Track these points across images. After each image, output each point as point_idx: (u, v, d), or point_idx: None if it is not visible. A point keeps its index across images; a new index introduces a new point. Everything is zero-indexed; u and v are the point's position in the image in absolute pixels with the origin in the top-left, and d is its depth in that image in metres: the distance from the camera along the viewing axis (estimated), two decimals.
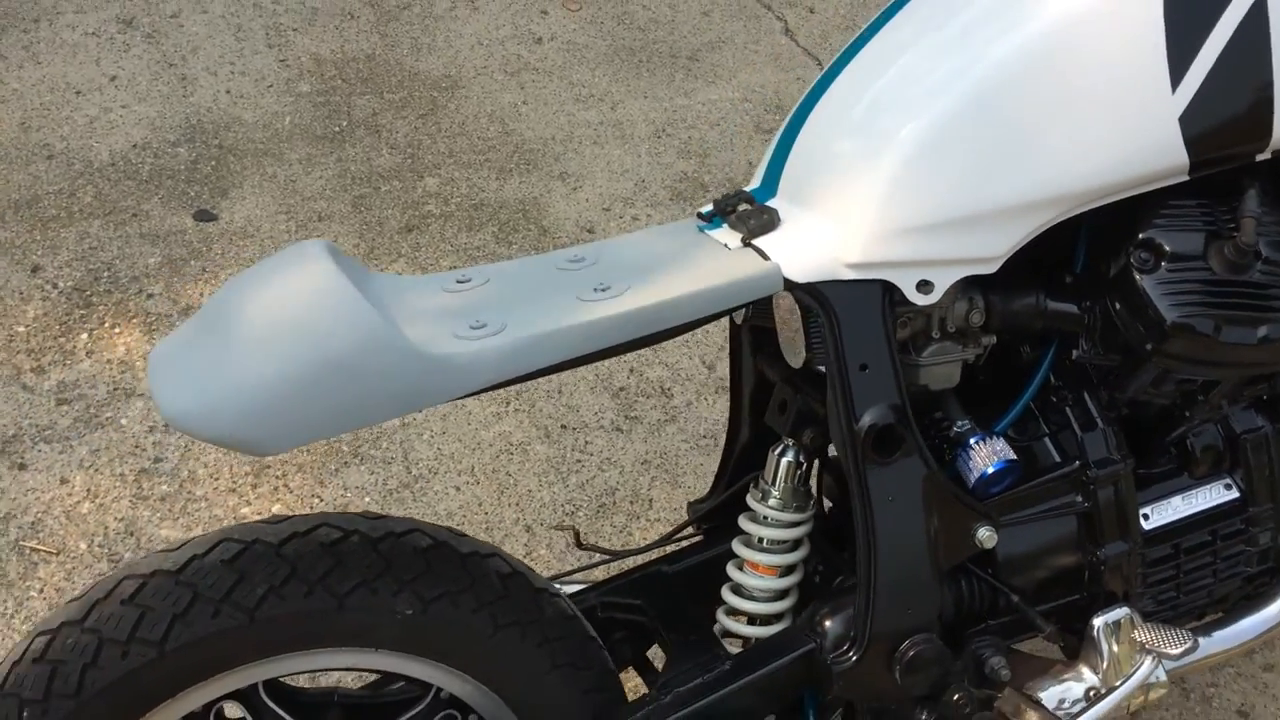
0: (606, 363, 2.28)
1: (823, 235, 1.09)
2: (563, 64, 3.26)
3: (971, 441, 1.19)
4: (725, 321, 1.26)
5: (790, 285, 1.08)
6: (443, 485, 2.04)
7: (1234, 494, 1.28)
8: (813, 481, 1.32)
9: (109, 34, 3.25)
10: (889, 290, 1.10)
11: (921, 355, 1.18)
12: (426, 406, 0.99)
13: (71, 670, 1.01)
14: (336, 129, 2.94)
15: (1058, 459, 1.23)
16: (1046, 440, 1.24)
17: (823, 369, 1.16)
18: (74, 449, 2.09)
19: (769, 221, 1.12)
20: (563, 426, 2.16)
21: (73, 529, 1.95)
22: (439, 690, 1.18)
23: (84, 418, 2.15)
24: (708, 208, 1.20)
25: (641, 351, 2.32)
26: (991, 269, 1.10)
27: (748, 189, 1.22)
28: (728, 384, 2.26)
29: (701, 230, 1.17)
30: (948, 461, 1.22)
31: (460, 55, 3.27)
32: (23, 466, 2.06)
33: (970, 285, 1.16)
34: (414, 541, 1.12)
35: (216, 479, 2.05)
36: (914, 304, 1.11)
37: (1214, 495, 1.28)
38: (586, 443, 2.13)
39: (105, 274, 2.47)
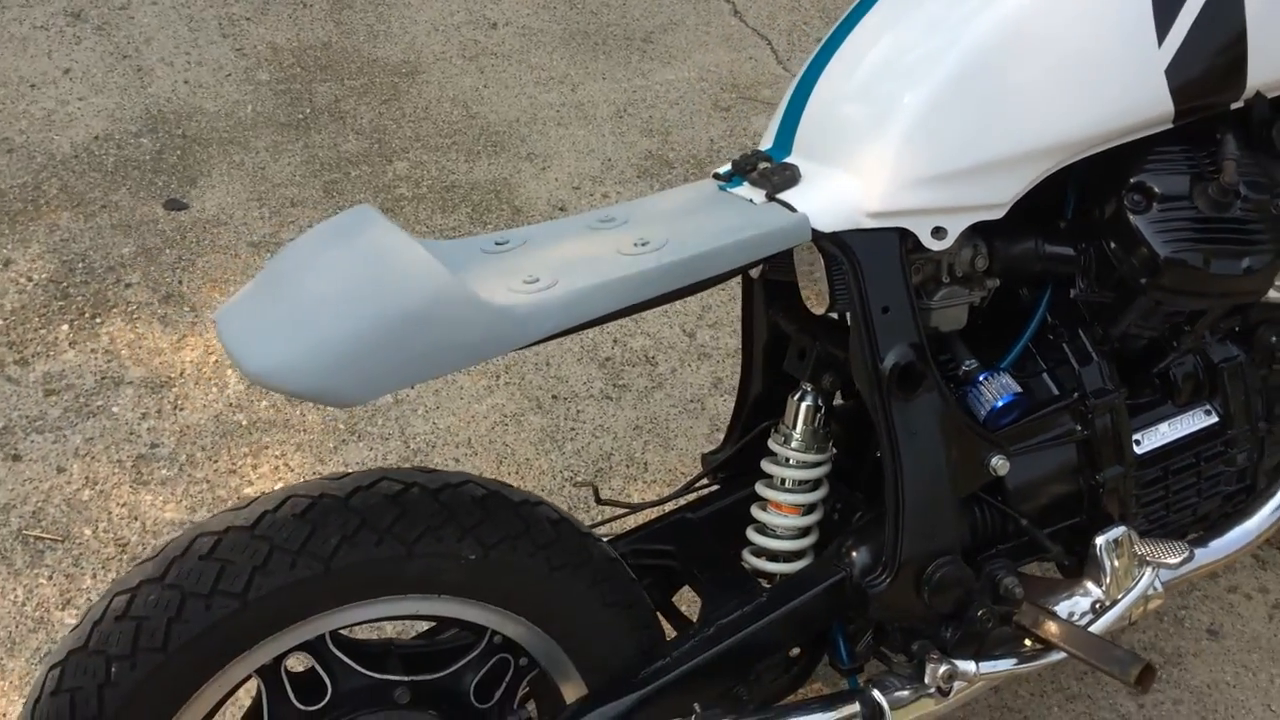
0: (591, 334, 2.35)
1: (843, 188, 1.18)
2: (520, 48, 3.31)
3: (980, 378, 1.28)
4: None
5: (816, 235, 1.16)
6: (441, 458, 2.09)
7: (1214, 419, 1.40)
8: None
9: (58, 27, 3.22)
10: (906, 237, 1.19)
11: (933, 299, 1.27)
12: (493, 356, 1.06)
13: (157, 625, 1.06)
14: (300, 116, 2.96)
15: (1057, 392, 1.33)
16: (1046, 375, 1.34)
17: (837, 316, 1.25)
18: (68, 438, 2.10)
19: (790, 177, 1.20)
20: (554, 397, 2.23)
21: (75, 516, 1.97)
22: (493, 635, 1.24)
23: (74, 407, 2.16)
24: (725, 168, 1.28)
25: (622, 322, 2.39)
26: (999, 214, 1.20)
27: (761, 148, 1.30)
28: (707, 351, 2.35)
29: (723, 189, 1.25)
30: (958, 398, 1.31)
31: (417, 41, 3.30)
32: (17, 457, 2.06)
33: (975, 233, 1.25)
34: (470, 491, 1.18)
35: (215, 461, 2.08)
36: (929, 250, 1.20)
37: (1196, 420, 1.40)
38: (578, 411, 2.20)
39: (80, 265, 2.47)
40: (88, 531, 1.95)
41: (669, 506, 1.51)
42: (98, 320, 2.34)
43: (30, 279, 2.43)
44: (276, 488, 2.00)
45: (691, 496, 1.53)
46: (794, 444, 1.35)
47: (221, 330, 1.03)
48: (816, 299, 1.24)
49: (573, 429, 2.16)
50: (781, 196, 1.18)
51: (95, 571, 1.88)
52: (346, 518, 1.12)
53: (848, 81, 1.23)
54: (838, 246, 1.17)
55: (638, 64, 3.28)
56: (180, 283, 2.43)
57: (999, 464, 1.27)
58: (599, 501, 1.55)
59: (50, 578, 1.87)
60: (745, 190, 1.23)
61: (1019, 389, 1.28)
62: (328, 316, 0.99)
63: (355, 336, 0.98)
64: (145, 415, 2.16)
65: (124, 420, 2.14)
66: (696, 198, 1.25)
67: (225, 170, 2.75)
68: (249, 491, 2.02)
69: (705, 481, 1.55)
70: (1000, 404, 1.27)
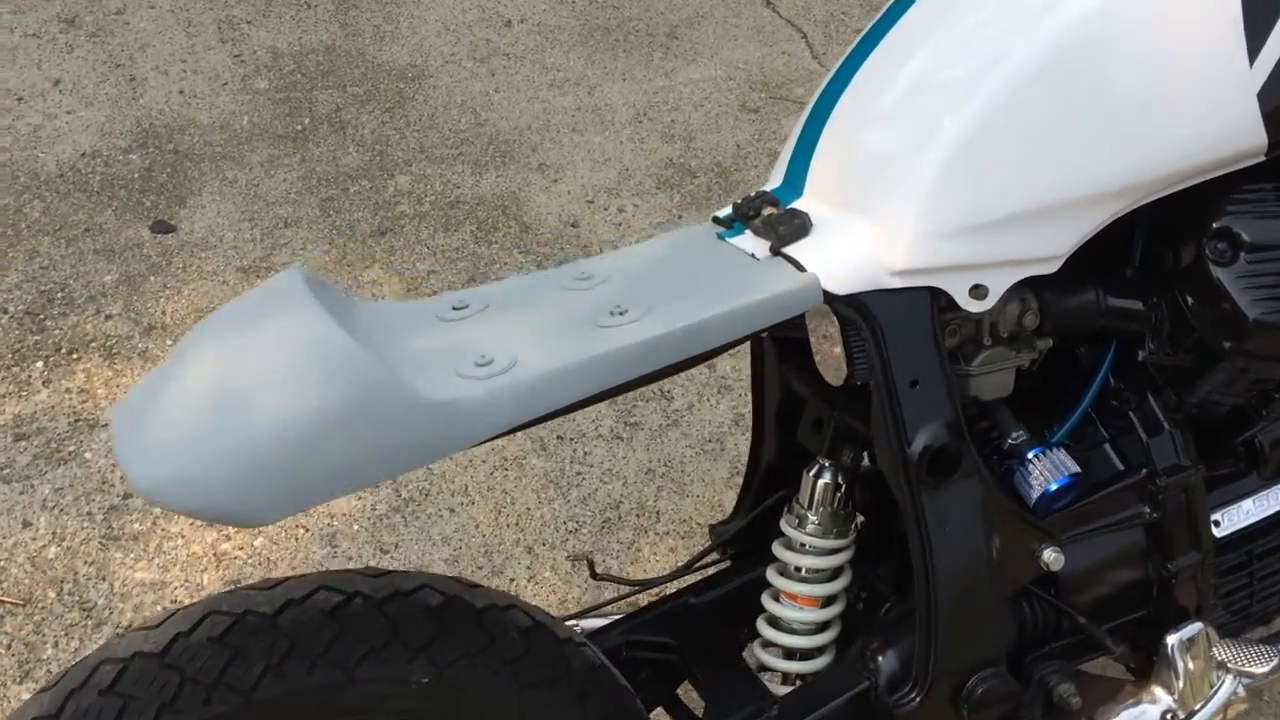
0: None
1: (862, 240, 1.00)
2: (535, 47, 3.14)
3: (1030, 456, 1.10)
4: None
5: (829, 298, 0.98)
6: (435, 508, 1.94)
7: None
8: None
9: (50, 34, 3.10)
10: (938, 297, 1.01)
11: (972, 364, 1.09)
12: (433, 460, 0.90)
13: None
14: (298, 127, 2.81)
15: (1122, 467, 1.15)
16: (1108, 447, 1.16)
17: (864, 383, 1.07)
18: (35, 488, 1.97)
19: (800, 227, 1.02)
20: (559, 437, 2.07)
21: (39, 576, 1.84)
22: None
23: (44, 453, 2.03)
24: (725, 211, 1.10)
25: None
26: (1052, 268, 1.02)
27: (768, 189, 1.12)
28: (729, 383, 2.17)
29: (721, 238, 1.08)
30: (1003, 475, 1.13)
31: (426, 43, 3.14)
32: None
33: (1022, 285, 1.07)
34: (423, 600, 1.02)
35: None
36: (965, 311, 1.02)
37: None
38: (585, 453, 2.04)
39: (59, 295, 2.34)
40: (51, 594, 1.82)
41: (672, 586, 1.35)
42: (74, 356, 2.21)
43: (5, 311, 2.31)
44: (254, 544, 1.87)
45: (695, 576, 1.36)
46: (810, 528, 1.18)
47: (115, 432, 0.88)
48: (832, 369, 1.06)
49: (579, 474, 2.00)
50: (789, 251, 1.01)
51: (57, 639, 1.75)
52: (273, 640, 0.96)
53: (869, 109, 1.05)
54: (856, 310, 1.00)
55: (660, 62, 3.10)
56: (164, 313, 2.30)
57: (1051, 557, 1.09)
58: (594, 577, 1.38)
59: (9, 647, 1.74)
60: (747, 241, 1.05)
61: (1076, 468, 1.10)
62: (232, 421, 0.84)
63: (263, 446, 0.83)
64: None
65: (96, 468, 2.01)
66: (690, 249, 1.08)
67: (217, 188, 2.62)
68: (226, 547, 1.88)
69: (716, 556, 1.39)
70: (1054, 487, 1.09)
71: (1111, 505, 1.15)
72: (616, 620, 1.32)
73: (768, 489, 1.32)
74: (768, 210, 1.06)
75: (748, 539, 1.35)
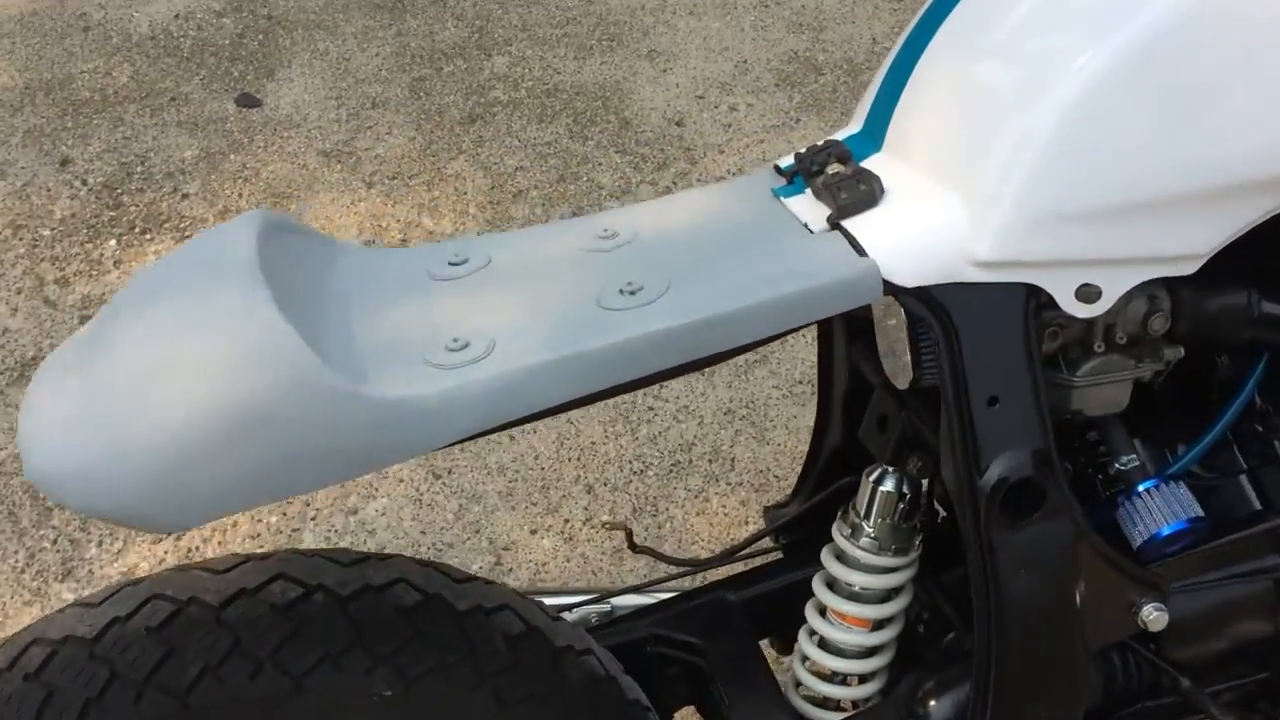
0: None
1: (942, 218, 0.80)
2: None
3: (1142, 489, 0.90)
4: None
5: (893, 289, 0.79)
6: (494, 437, 1.82)
7: None
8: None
9: None
10: (1034, 295, 0.81)
11: (1077, 374, 0.89)
12: (381, 468, 0.75)
13: None
14: None
15: (1259, 507, 0.94)
16: (1244, 481, 0.95)
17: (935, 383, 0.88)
18: None
19: (866, 194, 0.83)
20: None
21: None
22: None
23: None
24: (788, 160, 0.91)
25: None
26: (1188, 270, 0.80)
27: (841, 136, 0.92)
28: None
29: (777, 195, 0.89)
30: (1103, 506, 0.94)
31: None
32: None
33: (1151, 280, 0.86)
34: (396, 597, 0.89)
35: None
36: (1070, 314, 0.81)
37: None
38: (660, 386, 1.88)
39: (139, 169, 2.27)
40: None
41: (712, 574, 1.20)
42: (147, 236, 2.15)
43: (85, 182, 2.25)
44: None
45: (739, 565, 1.21)
46: (864, 541, 1.01)
47: (25, 406, 0.76)
48: (897, 370, 0.87)
49: (651, 409, 1.85)
50: (849, 224, 0.82)
51: (101, 539, 1.72)
52: (216, 637, 0.85)
53: (969, 50, 0.84)
54: (926, 306, 0.80)
55: None
56: (239, 196, 2.21)
57: (1152, 616, 0.90)
58: (633, 549, 1.24)
59: (54, 542, 1.72)
60: (804, 204, 0.86)
61: (1198, 510, 0.90)
62: (142, 410, 0.71)
63: (173, 443, 0.70)
64: None
65: None
66: (738, 207, 0.90)
67: (307, 61, 2.49)
68: None
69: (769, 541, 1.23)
70: (1168, 531, 0.89)
71: (1240, 553, 0.94)
72: (647, 607, 1.19)
73: (831, 474, 1.15)
74: (834, 168, 0.86)
75: (805, 528, 1.19)
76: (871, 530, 1.01)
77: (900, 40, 0.93)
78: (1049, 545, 0.86)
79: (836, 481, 1.13)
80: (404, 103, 2.39)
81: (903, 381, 0.87)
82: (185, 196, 2.21)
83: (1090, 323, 0.86)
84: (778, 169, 0.92)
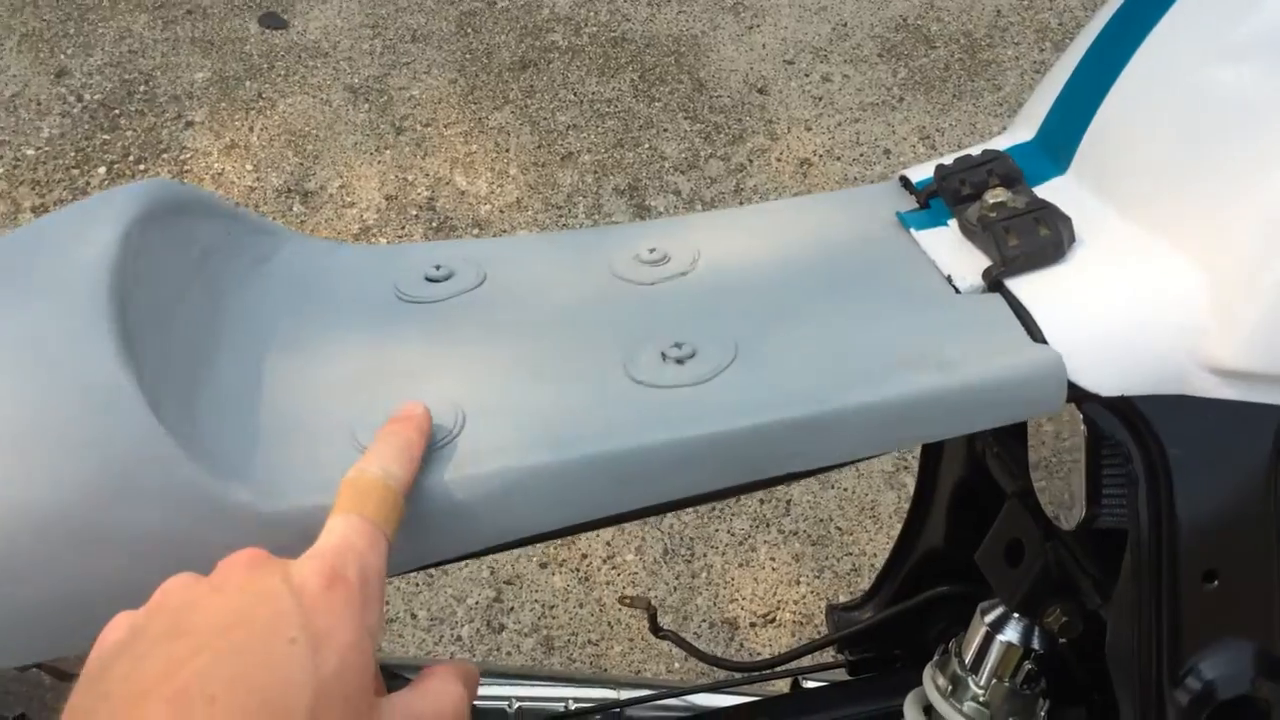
0: None
1: (1169, 296, 0.53)
2: None
3: None
4: None
5: (1080, 394, 0.53)
6: None
7: None
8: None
9: None
10: None
11: None
12: None
13: None
14: None
15: None
16: None
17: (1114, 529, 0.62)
18: None
19: (1050, 242, 0.56)
20: None
21: None
22: None
23: None
24: (922, 173, 0.65)
25: None
26: None
27: (1003, 145, 0.65)
28: None
29: (905, 224, 0.63)
30: None
31: None
32: None
33: None
34: None
35: None
36: None
37: None
38: None
39: (142, 88, 2.04)
40: None
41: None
42: (141, 167, 1.92)
43: (80, 98, 2.02)
44: None
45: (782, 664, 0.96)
46: (969, 704, 0.75)
47: None
48: (1062, 500, 0.61)
49: None
50: (1017, 286, 0.55)
51: None
52: None
53: (1226, 53, 0.57)
54: (1125, 424, 0.54)
55: None
56: (250, 129, 1.97)
57: None
58: (656, 633, 1.00)
59: None
60: (946, 242, 0.60)
61: None
62: None
63: None
64: None
65: None
66: (842, 239, 0.64)
67: None
68: None
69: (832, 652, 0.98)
70: None
71: None
72: (652, 703, 0.95)
73: (920, 577, 0.90)
74: (997, 193, 0.59)
75: (876, 642, 0.94)
76: (981, 690, 0.75)
77: (1100, 16, 0.65)
78: None
79: (930, 590, 0.88)
80: (448, 39, 2.13)
81: (1069, 520, 0.61)
82: (190, 125, 1.98)
83: None
84: (906, 183, 0.66)
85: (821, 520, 1.49)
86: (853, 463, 0.54)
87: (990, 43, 2.15)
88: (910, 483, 1.51)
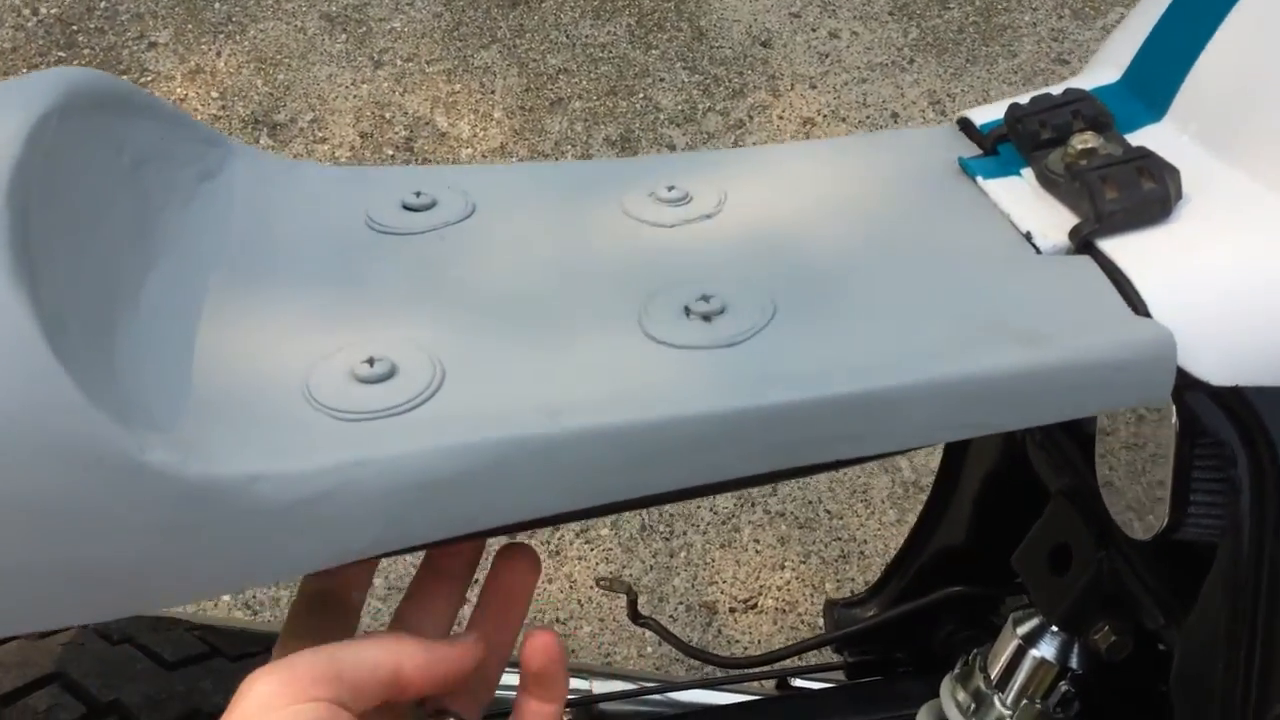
0: None
1: None
2: None
3: None
4: None
5: (1185, 380, 0.44)
6: None
7: None
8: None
9: None
10: None
11: None
12: (193, 600, 0.41)
13: None
14: None
15: None
16: None
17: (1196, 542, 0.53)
18: None
19: (1153, 196, 0.47)
20: None
21: None
22: None
23: None
24: (987, 114, 0.56)
25: None
26: None
27: (1090, 85, 0.57)
28: None
29: (968, 171, 0.54)
30: None
31: None
32: None
33: None
34: None
35: None
36: None
37: None
38: None
39: (102, 4, 1.92)
40: None
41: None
42: None
43: (36, 13, 1.90)
44: None
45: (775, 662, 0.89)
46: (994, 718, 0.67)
47: None
48: (1137, 506, 0.53)
49: None
50: (1109, 248, 0.47)
51: None
52: None
53: None
54: (1233, 420, 0.46)
55: None
56: (217, 55, 1.85)
57: None
58: (635, 619, 0.92)
59: None
60: (1020, 193, 0.51)
61: None
62: None
63: None
64: None
65: None
66: (894, 183, 0.55)
67: None
68: None
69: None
70: None
71: None
72: (629, 697, 0.87)
73: (930, 575, 0.82)
74: (1085, 138, 0.51)
75: (879, 644, 0.86)
76: (1008, 711, 0.67)
77: None
78: None
79: (943, 589, 0.80)
80: None
81: (1144, 528, 0.52)
82: (153, 45, 1.86)
83: None
84: (967, 126, 0.57)
85: (810, 502, 1.41)
86: (907, 451, 0.46)
87: (1007, 6, 2.06)
88: (905, 466, 1.44)
